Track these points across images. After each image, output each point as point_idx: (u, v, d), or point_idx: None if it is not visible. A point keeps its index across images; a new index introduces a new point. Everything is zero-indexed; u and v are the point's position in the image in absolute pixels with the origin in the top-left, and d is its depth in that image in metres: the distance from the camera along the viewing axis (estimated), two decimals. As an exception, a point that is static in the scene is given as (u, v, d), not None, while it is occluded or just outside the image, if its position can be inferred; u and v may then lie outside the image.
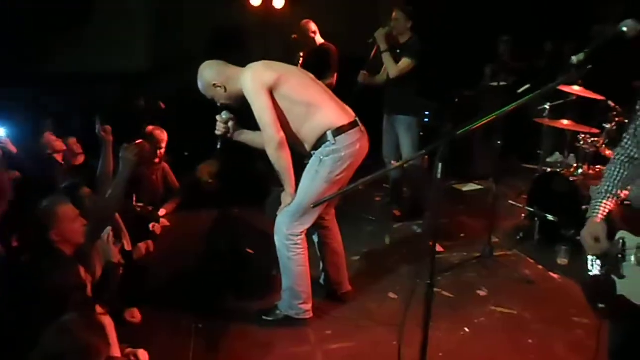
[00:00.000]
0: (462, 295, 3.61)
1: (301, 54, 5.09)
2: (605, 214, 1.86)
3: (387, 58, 4.58)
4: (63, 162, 4.49)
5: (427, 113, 7.05)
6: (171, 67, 6.87)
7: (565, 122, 4.40)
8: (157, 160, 4.87)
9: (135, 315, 3.24)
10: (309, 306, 3.22)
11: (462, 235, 4.62)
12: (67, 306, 2.62)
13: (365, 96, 4.77)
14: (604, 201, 1.89)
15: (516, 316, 3.35)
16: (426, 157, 6.74)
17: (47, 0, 6.44)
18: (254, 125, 3.06)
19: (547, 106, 4.50)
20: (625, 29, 1.65)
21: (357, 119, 3.13)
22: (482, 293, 3.63)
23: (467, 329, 3.20)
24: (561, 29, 6.12)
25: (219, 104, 3.15)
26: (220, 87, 3.09)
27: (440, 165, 1.74)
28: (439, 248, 4.36)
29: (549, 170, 4.68)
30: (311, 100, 3.04)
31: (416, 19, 4.62)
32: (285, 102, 3.00)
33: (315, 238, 3.43)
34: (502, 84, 6.27)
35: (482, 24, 6.76)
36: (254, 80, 2.97)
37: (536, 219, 4.38)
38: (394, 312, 3.37)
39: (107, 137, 3.52)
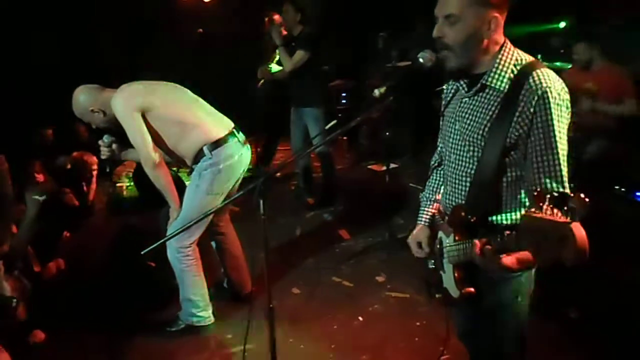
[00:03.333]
0: (360, 283, 3.79)
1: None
2: (427, 219, 2.03)
3: (281, 53, 4.64)
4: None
5: (344, 95, 7.21)
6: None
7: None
8: (93, 185, 4.85)
9: (38, 336, 3.28)
10: (208, 312, 3.33)
11: (369, 219, 4.79)
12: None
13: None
14: (426, 208, 2.05)
15: (408, 299, 3.55)
16: (344, 139, 7.00)
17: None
18: None
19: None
20: (421, 60, 1.77)
21: (234, 130, 3.19)
22: (380, 279, 3.82)
23: (360, 318, 3.38)
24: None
25: (94, 127, 3.17)
26: (97, 112, 3.11)
27: (261, 202, 1.84)
28: (345, 235, 4.54)
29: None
30: (184, 119, 3.08)
31: (305, 10, 4.67)
32: (158, 122, 3.04)
33: (213, 244, 3.53)
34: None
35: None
36: (124, 104, 2.99)
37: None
38: (295, 307, 3.53)
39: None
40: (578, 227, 1.13)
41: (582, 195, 1.14)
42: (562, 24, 6.49)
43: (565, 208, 1.14)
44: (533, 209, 1.21)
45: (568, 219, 1.15)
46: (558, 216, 1.16)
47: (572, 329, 3.10)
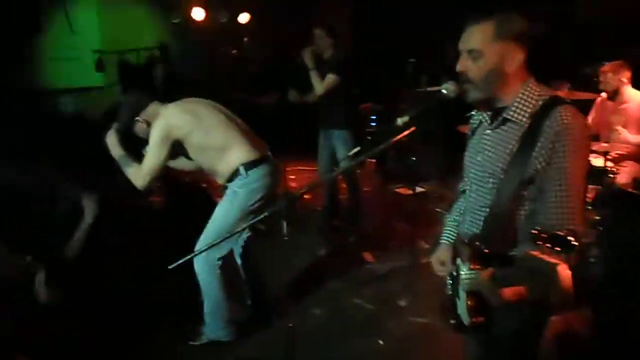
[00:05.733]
0: (382, 306, 3.80)
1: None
2: (451, 239, 2.05)
3: (313, 76, 4.72)
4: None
5: (373, 117, 7.27)
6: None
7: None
8: None
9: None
10: (231, 329, 3.38)
11: (394, 242, 4.81)
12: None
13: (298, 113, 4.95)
14: (451, 229, 2.07)
15: (430, 325, 3.53)
16: (372, 161, 7.06)
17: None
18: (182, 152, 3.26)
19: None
20: (445, 91, 1.82)
21: (269, 153, 3.31)
22: (402, 303, 3.82)
23: (381, 342, 3.39)
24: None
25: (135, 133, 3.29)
26: (142, 122, 3.23)
27: (285, 223, 1.89)
28: (369, 258, 4.57)
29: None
30: (222, 143, 3.19)
31: (337, 35, 4.77)
32: (195, 148, 3.19)
33: (239, 260, 3.59)
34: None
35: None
36: (161, 131, 3.13)
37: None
38: (316, 328, 3.56)
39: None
40: (564, 267, 1.16)
41: (573, 237, 1.17)
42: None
43: (558, 248, 1.17)
44: (531, 247, 1.24)
45: (556, 260, 1.18)
46: (549, 255, 1.19)
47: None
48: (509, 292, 1.50)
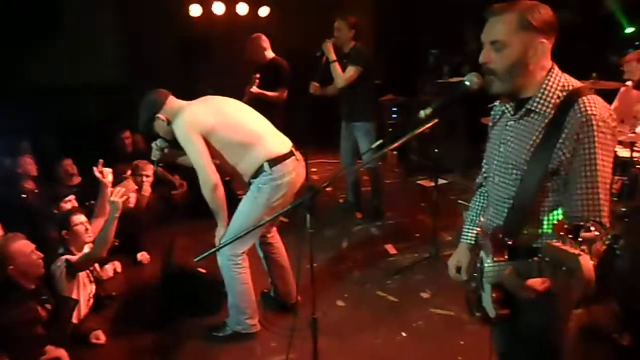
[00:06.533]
0: (406, 298, 3.81)
1: (257, 76, 5.14)
2: (471, 238, 2.05)
3: (333, 68, 4.72)
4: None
5: (394, 109, 7.24)
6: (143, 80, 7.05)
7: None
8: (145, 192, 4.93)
9: (99, 337, 3.47)
10: (254, 321, 3.42)
11: (417, 235, 4.80)
12: (18, 343, 2.85)
13: (320, 105, 4.97)
14: (469, 228, 2.06)
15: (453, 317, 3.53)
16: (394, 153, 7.04)
17: (13, 13, 6.57)
18: None
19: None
20: (468, 83, 1.81)
21: (292, 149, 3.31)
22: (425, 295, 3.83)
23: (404, 334, 3.40)
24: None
25: (153, 133, 3.32)
26: (163, 119, 3.25)
27: (308, 216, 1.91)
28: (392, 250, 4.57)
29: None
30: (246, 140, 3.20)
31: (358, 27, 4.75)
32: (220, 144, 3.18)
33: (261, 254, 3.63)
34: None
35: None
36: (185, 127, 3.13)
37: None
38: (339, 320, 3.58)
39: (104, 180, 3.70)
40: (586, 259, 1.15)
41: (597, 227, 1.16)
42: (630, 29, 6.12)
43: (580, 239, 1.16)
44: (554, 238, 1.24)
45: (578, 251, 1.17)
46: (572, 246, 1.18)
47: (621, 357, 3.01)
48: (535, 283, 1.49)
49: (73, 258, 3.47)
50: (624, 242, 3.60)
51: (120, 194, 3.49)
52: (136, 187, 4.73)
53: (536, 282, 1.48)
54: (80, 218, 3.64)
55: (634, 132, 3.91)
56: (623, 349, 3.05)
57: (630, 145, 4.01)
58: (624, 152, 4.01)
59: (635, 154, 4.02)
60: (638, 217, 3.66)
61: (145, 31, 7.29)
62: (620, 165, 3.93)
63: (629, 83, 4.45)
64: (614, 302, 3.25)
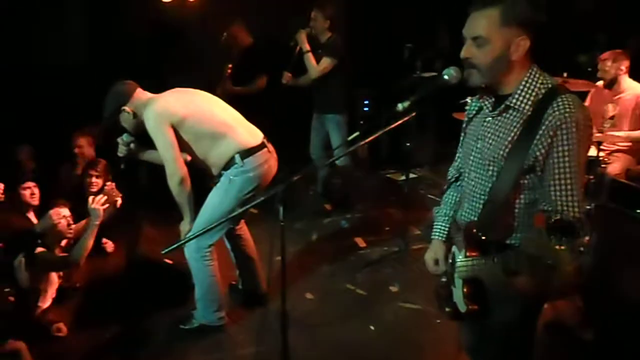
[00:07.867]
0: (374, 291, 3.81)
1: (229, 66, 5.05)
2: (443, 233, 2.04)
3: (307, 59, 4.67)
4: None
5: (366, 102, 7.21)
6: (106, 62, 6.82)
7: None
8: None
9: (61, 329, 3.36)
10: (222, 313, 3.37)
11: (387, 228, 4.80)
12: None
13: (292, 96, 4.92)
14: (442, 223, 2.05)
15: (421, 311, 3.55)
16: (365, 147, 7.02)
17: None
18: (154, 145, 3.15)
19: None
20: (447, 77, 1.79)
21: (264, 140, 3.26)
22: (394, 289, 3.83)
23: (372, 327, 3.40)
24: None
25: (119, 125, 3.22)
26: (129, 112, 3.16)
27: (281, 209, 1.87)
28: (361, 243, 4.56)
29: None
30: (216, 131, 3.14)
31: (334, 18, 4.70)
32: (190, 135, 3.12)
33: (229, 245, 3.57)
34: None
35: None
36: (156, 118, 3.05)
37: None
38: (308, 313, 3.56)
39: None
40: (567, 253, 1.15)
41: (576, 222, 1.16)
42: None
43: (561, 234, 1.16)
44: (533, 233, 1.23)
45: (560, 246, 1.17)
46: (552, 242, 1.18)
47: (584, 352, 3.07)
48: (522, 283, 1.49)
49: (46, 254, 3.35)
50: (588, 239, 3.68)
51: (101, 202, 3.40)
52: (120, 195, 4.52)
53: (523, 282, 1.48)
54: (64, 212, 3.50)
55: (601, 132, 3.97)
56: (585, 344, 3.11)
57: (597, 144, 4.08)
58: (590, 151, 4.07)
59: (601, 153, 4.10)
60: (602, 215, 3.73)
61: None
62: (587, 164, 3.99)
63: (599, 83, 4.52)
64: (578, 297, 3.31)
